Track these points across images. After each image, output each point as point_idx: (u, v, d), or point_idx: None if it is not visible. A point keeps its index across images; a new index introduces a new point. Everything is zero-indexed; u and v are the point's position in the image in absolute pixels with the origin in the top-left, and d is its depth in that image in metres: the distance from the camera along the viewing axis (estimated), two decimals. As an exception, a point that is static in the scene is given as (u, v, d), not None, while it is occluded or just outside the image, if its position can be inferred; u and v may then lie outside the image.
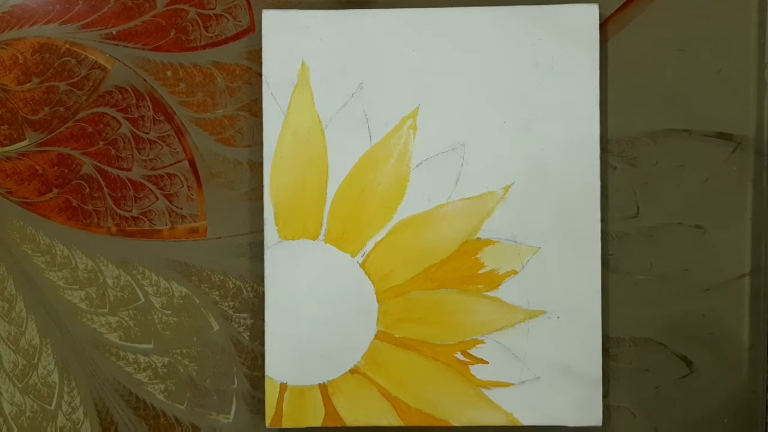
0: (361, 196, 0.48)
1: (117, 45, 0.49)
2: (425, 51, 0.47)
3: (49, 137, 0.50)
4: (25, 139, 0.50)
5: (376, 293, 0.48)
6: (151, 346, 0.50)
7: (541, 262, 0.47)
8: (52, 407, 0.51)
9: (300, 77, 0.48)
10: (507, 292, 0.47)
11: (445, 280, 0.47)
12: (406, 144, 0.47)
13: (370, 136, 0.48)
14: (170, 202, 0.50)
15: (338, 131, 0.48)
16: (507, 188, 0.47)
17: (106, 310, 0.50)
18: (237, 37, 0.49)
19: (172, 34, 0.49)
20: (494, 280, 0.47)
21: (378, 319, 0.48)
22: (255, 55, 0.49)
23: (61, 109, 0.50)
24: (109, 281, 0.50)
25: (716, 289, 0.49)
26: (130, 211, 0.50)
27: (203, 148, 0.50)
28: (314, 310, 0.48)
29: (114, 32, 0.49)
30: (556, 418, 0.47)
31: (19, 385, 0.51)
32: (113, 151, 0.50)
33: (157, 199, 0.50)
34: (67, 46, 0.49)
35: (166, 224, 0.50)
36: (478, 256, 0.47)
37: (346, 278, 0.48)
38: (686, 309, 0.49)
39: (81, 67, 0.49)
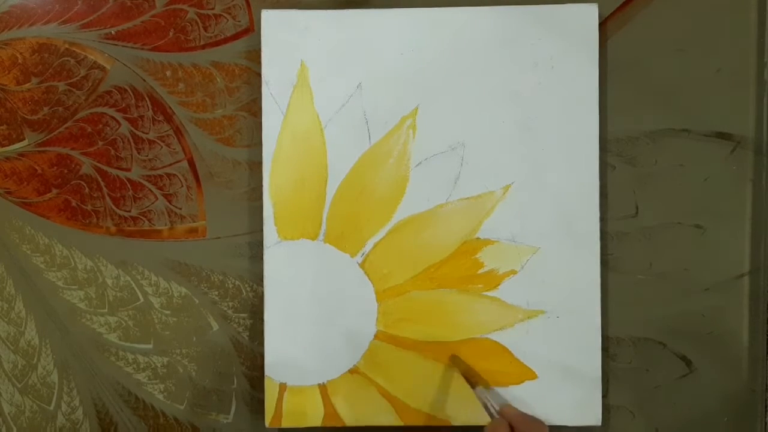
0: (361, 196, 0.48)
1: (116, 45, 0.49)
2: (425, 51, 0.47)
3: (48, 137, 0.50)
4: (24, 139, 0.50)
5: (375, 293, 0.48)
6: (150, 346, 0.50)
7: (540, 261, 0.47)
8: (52, 407, 0.51)
9: (299, 77, 0.48)
10: (506, 291, 0.47)
11: (445, 279, 0.47)
12: (406, 144, 0.47)
13: (370, 136, 0.48)
14: (169, 202, 0.50)
15: (337, 131, 0.48)
16: (506, 188, 0.47)
17: (106, 310, 0.50)
18: (236, 37, 0.49)
19: (171, 34, 0.49)
20: (494, 279, 0.47)
21: (377, 319, 0.48)
22: (254, 55, 0.49)
23: (60, 109, 0.50)
24: (109, 281, 0.50)
25: (716, 288, 0.49)
26: (130, 211, 0.50)
27: (202, 148, 0.50)
28: (314, 310, 0.48)
29: (113, 32, 0.49)
30: (555, 417, 0.47)
31: (19, 386, 0.51)
32: (112, 151, 0.50)
33: (157, 199, 0.50)
34: (66, 46, 0.49)
35: (166, 224, 0.50)
36: (477, 256, 0.47)
37: (346, 278, 0.48)
38: (686, 308, 0.49)
39: (80, 67, 0.49)
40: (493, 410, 0.44)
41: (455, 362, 0.47)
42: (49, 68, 0.49)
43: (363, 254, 0.48)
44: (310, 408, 0.48)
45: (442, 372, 0.48)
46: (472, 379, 0.46)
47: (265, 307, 0.48)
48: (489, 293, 0.47)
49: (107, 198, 0.50)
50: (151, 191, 0.50)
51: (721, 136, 0.48)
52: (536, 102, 0.47)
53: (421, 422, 0.48)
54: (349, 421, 0.48)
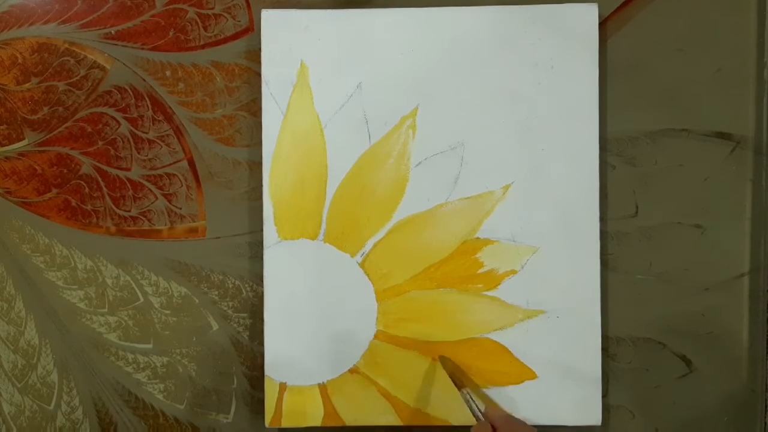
0: (361, 196, 0.48)
1: (116, 45, 0.49)
2: (425, 51, 0.47)
3: (48, 137, 0.50)
4: (24, 138, 0.50)
5: (375, 293, 0.48)
6: (150, 345, 0.50)
7: (540, 261, 0.47)
8: (52, 407, 0.51)
9: (299, 77, 0.48)
10: (506, 291, 0.47)
11: (445, 279, 0.47)
12: (406, 144, 0.47)
13: (370, 136, 0.48)
14: (169, 201, 0.50)
15: (337, 131, 0.48)
16: (506, 188, 0.47)
17: (106, 310, 0.50)
18: (236, 36, 0.49)
19: (171, 33, 0.49)
20: (493, 279, 0.47)
21: (377, 318, 0.48)
22: (254, 55, 0.49)
23: (60, 108, 0.50)
24: (109, 281, 0.50)
25: (715, 288, 0.49)
26: (129, 210, 0.50)
27: (202, 147, 0.50)
28: (313, 310, 0.48)
29: (113, 32, 0.49)
30: (555, 417, 0.47)
31: (18, 385, 0.51)
32: (112, 151, 0.50)
33: (156, 198, 0.50)
34: (66, 45, 0.49)
35: (166, 224, 0.50)
36: (477, 256, 0.47)
37: (346, 278, 0.48)
38: (685, 308, 0.49)
39: (80, 66, 0.49)
40: (478, 412, 0.44)
41: (443, 362, 0.47)
42: (49, 68, 0.49)
43: (363, 254, 0.48)
44: (310, 408, 0.48)
45: (441, 372, 0.48)
46: (459, 380, 0.46)
47: (265, 306, 0.48)
48: (489, 293, 0.47)
49: (107, 198, 0.50)
50: (151, 191, 0.50)
51: (721, 136, 0.48)
52: (536, 102, 0.47)
53: (421, 422, 0.48)
54: (349, 420, 0.48)
